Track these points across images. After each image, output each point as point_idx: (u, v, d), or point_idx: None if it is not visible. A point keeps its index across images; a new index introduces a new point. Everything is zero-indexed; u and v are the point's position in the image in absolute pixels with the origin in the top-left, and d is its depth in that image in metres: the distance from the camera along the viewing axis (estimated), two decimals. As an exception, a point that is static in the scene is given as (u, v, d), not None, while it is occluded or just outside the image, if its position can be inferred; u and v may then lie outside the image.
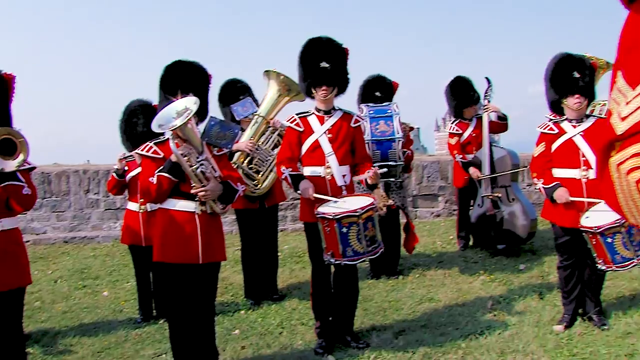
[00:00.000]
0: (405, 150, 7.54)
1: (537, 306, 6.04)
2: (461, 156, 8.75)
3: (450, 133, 8.99)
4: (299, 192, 5.09)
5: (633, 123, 1.19)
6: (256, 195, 6.55)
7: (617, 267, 4.99)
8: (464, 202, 9.08)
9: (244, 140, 6.42)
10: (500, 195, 8.18)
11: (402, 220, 7.73)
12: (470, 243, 9.07)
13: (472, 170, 8.53)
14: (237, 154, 6.40)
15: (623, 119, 1.21)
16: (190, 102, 4.18)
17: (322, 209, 4.76)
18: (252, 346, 5.38)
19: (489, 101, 8.40)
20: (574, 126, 5.34)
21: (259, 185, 6.50)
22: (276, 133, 6.52)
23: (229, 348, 5.34)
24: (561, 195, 5.25)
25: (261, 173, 6.50)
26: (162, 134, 4.35)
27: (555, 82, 5.42)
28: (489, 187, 8.27)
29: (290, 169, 5.14)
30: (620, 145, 1.20)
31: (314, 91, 5.20)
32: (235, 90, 6.92)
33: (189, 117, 4.09)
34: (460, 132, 8.87)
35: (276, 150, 6.20)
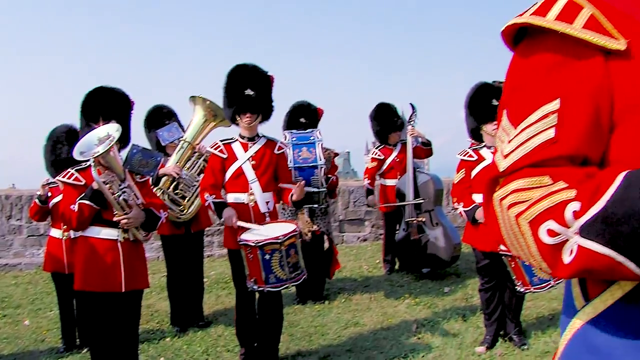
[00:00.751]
0: (329, 176, 7.66)
1: (461, 328, 6.14)
2: (369, 182, 9.02)
3: (372, 157, 9.17)
4: (222, 219, 5.10)
5: (514, 161, 1.26)
6: (182, 221, 6.52)
7: (535, 288, 5.12)
8: (390, 227, 9.18)
9: (170, 165, 6.39)
10: (424, 219, 8.32)
11: (326, 244, 7.78)
12: (396, 267, 9.19)
13: (370, 199, 8.89)
14: (163, 179, 6.37)
15: (505, 156, 1.28)
16: (112, 129, 4.16)
17: (244, 236, 4.78)
18: (177, 374, 5.34)
19: (413, 126, 8.56)
20: (493, 153, 5.47)
21: (184, 211, 6.47)
22: (202, 158, 6.51)
23: (153, 376, 5.29)
24: (482, 214, 5.37)
25: (187, 198, 6.47)
26: (85, 160, 4.30)
27: (474, 109, 5.57)
28: (413, 212, 8.41)
29: (214, 196, 5.14)
30: (503, 181, 1.28)
31: (238, 118, 5.23)
32: (161, 116, 6.90)
33: (111, 145, 4.07)
34: (382, 157, 9.05)
35: (202, 176, 6.19)
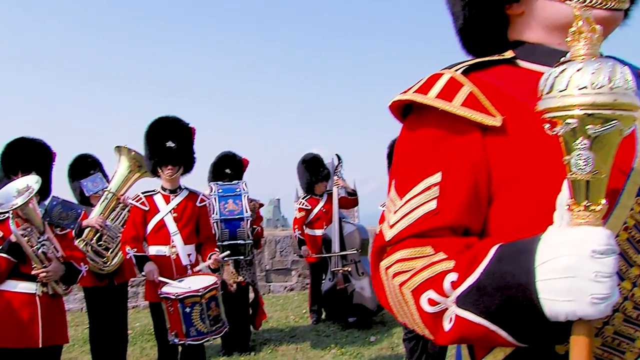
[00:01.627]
0: (254, 226, 7.68)
1: (386, 377, 6.19)
2: (300, 232, 9.07)
3: (299, 208, 9.22)
4: (143, 274, 5.08)
5: (399, 231, 1.31)
6: (105, 273, 6.42)
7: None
8: (316, 276, 9.21)
9: (94, 216, 6.32)
10: (350, 269, 8.39)
11: (252, 295, 7.76)
12: (323, 316, 9.19)
13: (304, 249, 8.93)
14: (86, 230, 6.28)
15: (391, 226, 1.34)
16: (31, 181, 4.12)
17: (165, 289, 4.77)
18: None
19: (339, 177, 8.68)
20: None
21: (108, 263, 6.37)
22: (126, 209, 6.44)
23: None
24: None
25: (111, 250, 6.39)
26: (3, 212, 4.24)
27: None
28: (339, 262, 8.47)
29: (135, 249, 5.12)
30: (389, 250, 1.33)
31: (159, 170, 5.25)
32: (85, 165, 6.81)
33: (30, 197, 4.02)
34: (309, 207, 9.12)
35: (126, 227, 6.14)
